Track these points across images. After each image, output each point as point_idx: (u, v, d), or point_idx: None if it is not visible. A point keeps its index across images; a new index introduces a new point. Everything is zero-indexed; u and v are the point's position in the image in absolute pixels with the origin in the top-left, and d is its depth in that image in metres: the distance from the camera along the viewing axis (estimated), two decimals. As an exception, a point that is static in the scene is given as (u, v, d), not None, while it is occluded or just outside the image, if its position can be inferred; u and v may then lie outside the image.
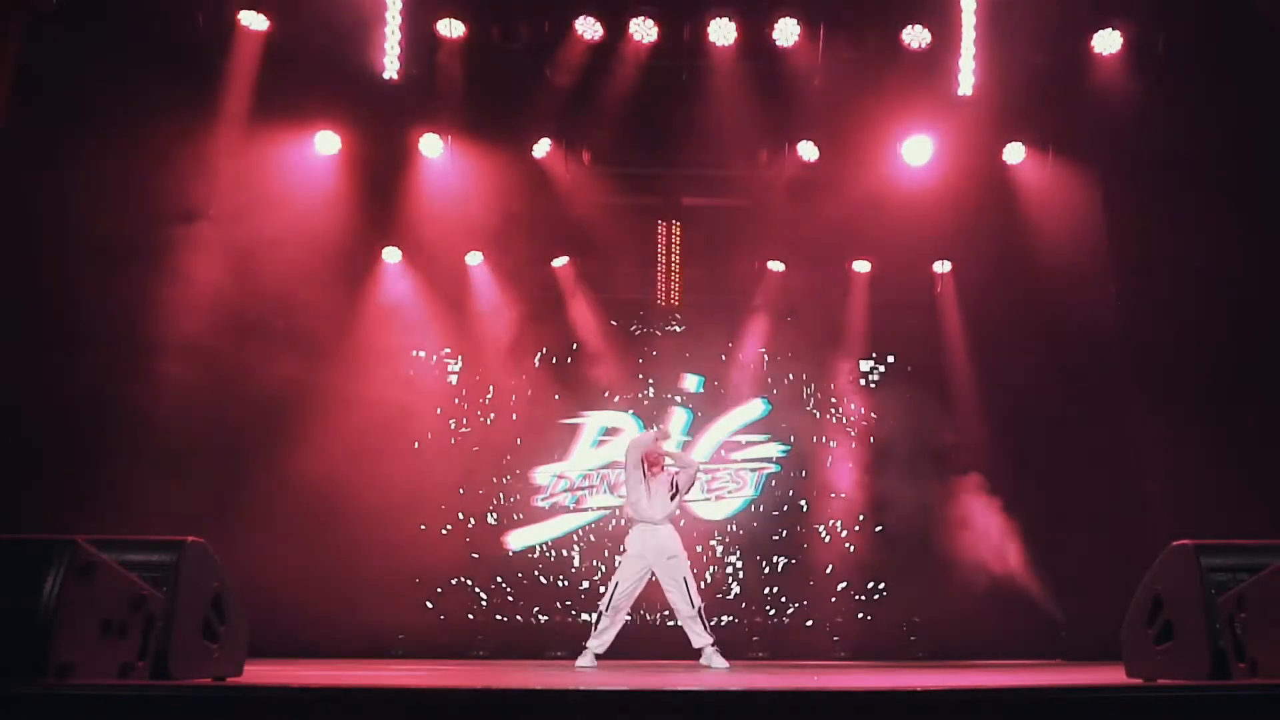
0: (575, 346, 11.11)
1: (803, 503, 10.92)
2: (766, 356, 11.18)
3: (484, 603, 10.65)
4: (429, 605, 10.54)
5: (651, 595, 10.63)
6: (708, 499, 10.93)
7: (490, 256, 10.92)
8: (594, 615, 8.00)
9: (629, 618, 8.07)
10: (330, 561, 9.79)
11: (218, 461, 9.58)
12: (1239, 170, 9.14)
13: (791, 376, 11.16)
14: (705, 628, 7.83)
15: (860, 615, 10.70)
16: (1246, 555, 4.45)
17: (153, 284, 9.30)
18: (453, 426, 10.98)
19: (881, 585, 10.75)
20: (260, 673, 5.17)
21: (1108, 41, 9.58)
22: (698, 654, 7.90)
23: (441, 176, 10.42)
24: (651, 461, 7.95)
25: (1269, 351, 9.18)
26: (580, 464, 10.97)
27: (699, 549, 10.82)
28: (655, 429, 8.30)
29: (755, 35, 9.66)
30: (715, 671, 7.39)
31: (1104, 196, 10.07)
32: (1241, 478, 9.06)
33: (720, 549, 10.85)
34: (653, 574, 7.89)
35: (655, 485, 7.92)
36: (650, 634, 10.35)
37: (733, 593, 10.76)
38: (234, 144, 9.44)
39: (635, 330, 11.21)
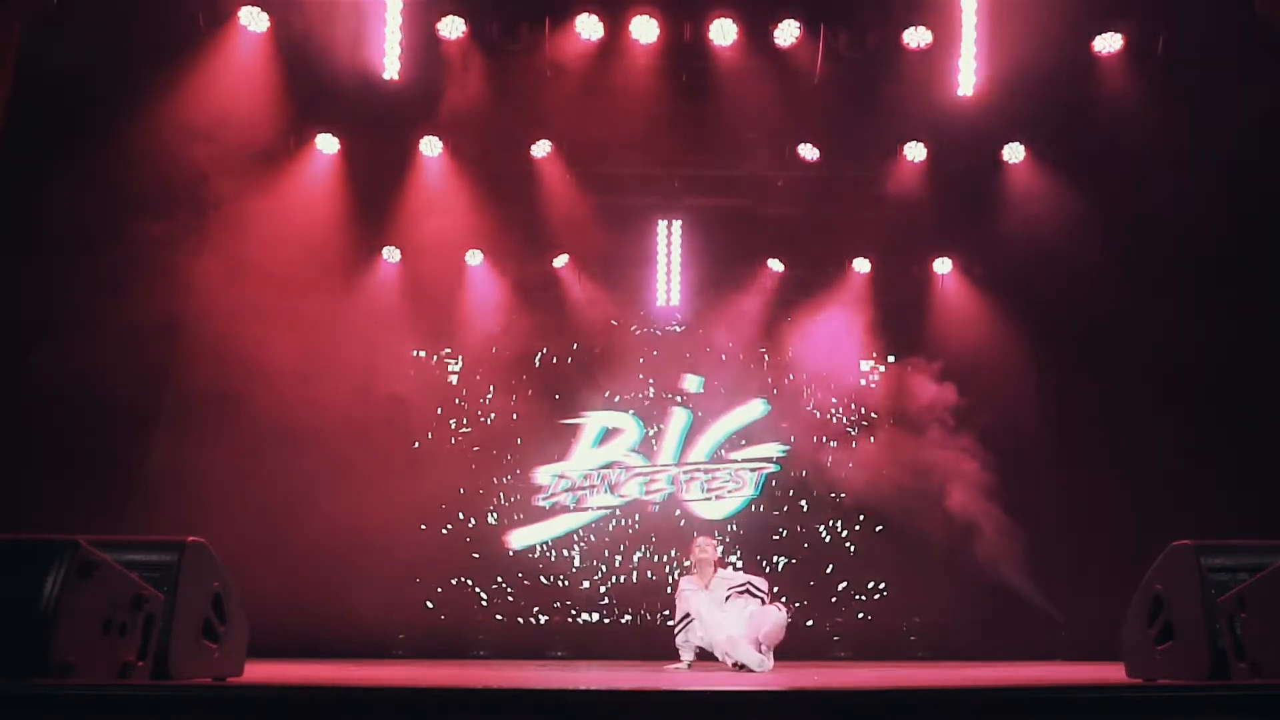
0: (575, 346, 11.10)
1: (803, 503, 10.92)
2: (767, 356, 11.18)
3: (484, 603, 10.65)
4: (429, 605, 10.54)
5: (652, 597, 10.70)
6: (707, 498, 10.92)
7: (490, 256, 10.93)
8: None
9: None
10: (330, 561, 9.78)
11: (217, 461, 9.57)
12: (1239, 170, 9.14)
13: (791, 376, 11.16)
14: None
15: (860, 615, 10.69)
16: (1246, 555, 4.45)
17: (151, 283, 9.30)
18: (453, 426, 10.98)
19: (881, 585, 10.75)
20: (260, 673, 5.17)
21: (1108, 42, 9.59)
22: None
23: (441, 176, 10.42)
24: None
25: (1270, 351, 9.18)
26: (581, 464, 10.96)
27: (698, 549, 10.81)
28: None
29: (756, 35, 9.66)
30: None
31: (1103, 196, 10.07)
32: (1242, 478, 9.07)
33: (720, 549, 10.83)
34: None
35: None
36: (651, 635, 10.35)
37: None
38: (234, 143, 9.43)
39: (635, 330, 11.20)
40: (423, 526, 10.58)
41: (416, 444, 10.79)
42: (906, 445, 10.74)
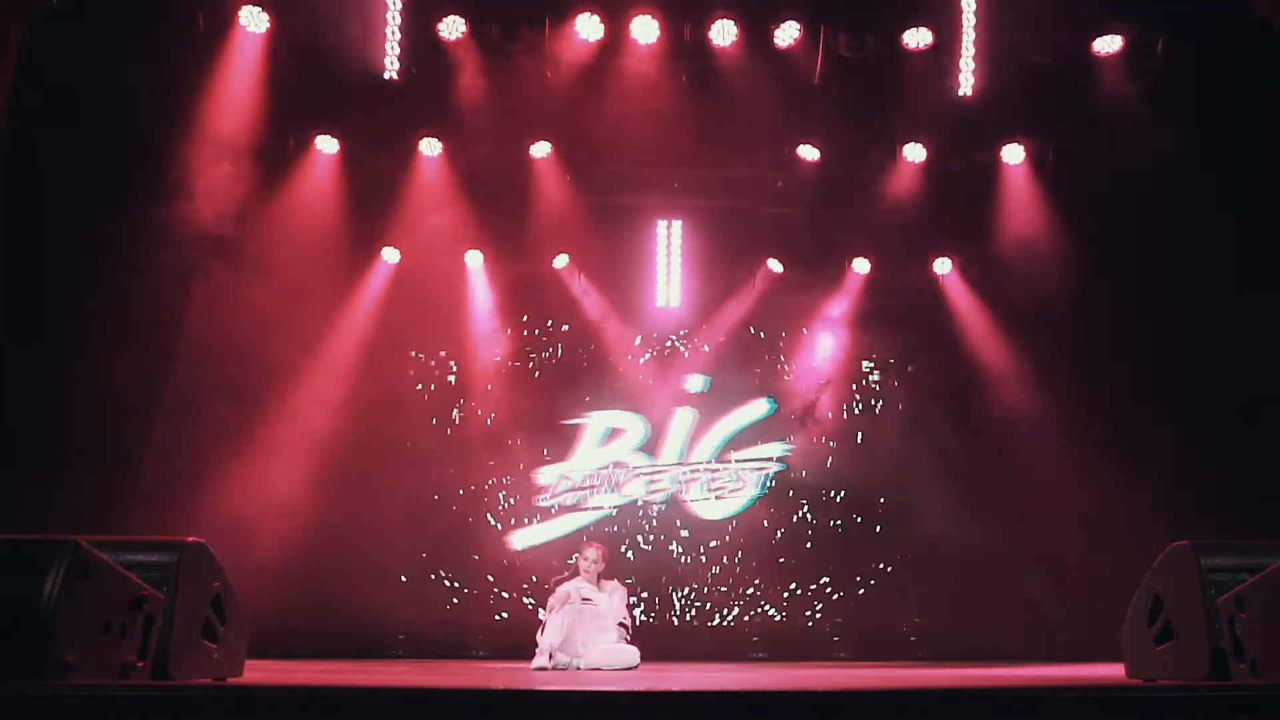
0: (575, 347, 11.10)
1: (803, 503, 10.91)
2: (767, 356, 11.18)
3: (484, 603, 10.64)
4: (429, 605, 10.53)
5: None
6: (709, 498, 10.92)
7: (490, 256, 10.93)
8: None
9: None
10: (330, 561, 9.78)
11: (218, 461, 9.57)
12: (1239, 171, 9.14)
13: (791, 376, 11.15)
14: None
15: (860, 615, 10.68)
16: (1246, 555, 4.45)
17: (151, 282, 9.30)
18: (453, 427, 10.97)
19: (882, 585, 10.74)
20: (260, 673, 5.17)
21: (1107, 43, 9.59)
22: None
23: (441, 176, 10.42)
24: None
25: (1269, 352, 9.18)
26: (584, 464, 10.95)
27: (699, 549, 10.82)
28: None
29: (756, 35, 9.67)
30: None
31: (1103, 196, 10.07)
32: (1241, 478, 9.06)
33: (722, 548, 10.83)
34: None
35: None
36: (651, 634, 10.34)
37: (733, 592, 10.74)
38: (233, 143, 9.44)
39: (636, 330, 11.20)
40: (422, 527, 10.57)
41: (415, 444, 10.77)
42: (907, 444, 10.75)
